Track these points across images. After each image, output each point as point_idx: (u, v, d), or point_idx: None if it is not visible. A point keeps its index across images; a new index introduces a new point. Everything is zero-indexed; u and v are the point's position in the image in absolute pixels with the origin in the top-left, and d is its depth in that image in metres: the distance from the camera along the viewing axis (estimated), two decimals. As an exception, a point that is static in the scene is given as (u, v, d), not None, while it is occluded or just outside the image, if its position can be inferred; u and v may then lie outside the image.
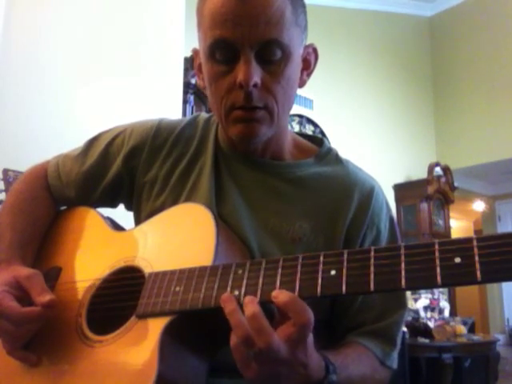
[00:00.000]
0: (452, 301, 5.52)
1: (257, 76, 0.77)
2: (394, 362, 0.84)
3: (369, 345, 0.81)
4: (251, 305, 0.60)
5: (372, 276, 0.56)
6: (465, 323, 4.59)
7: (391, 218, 0.91)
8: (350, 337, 0.83)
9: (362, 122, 5.59)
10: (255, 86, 0.77)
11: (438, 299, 4.54)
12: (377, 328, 0.83)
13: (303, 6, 0.84)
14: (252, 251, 0.81)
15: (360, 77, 5.70)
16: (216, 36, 0.77)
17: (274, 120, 0.81)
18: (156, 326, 0.67)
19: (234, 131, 0.82)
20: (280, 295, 0.60)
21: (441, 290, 4.72)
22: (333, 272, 0.59)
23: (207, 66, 0.81)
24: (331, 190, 0.87)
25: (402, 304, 0.87)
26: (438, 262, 0.53)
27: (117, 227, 0.94)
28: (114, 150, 0.97)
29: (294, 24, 0.79)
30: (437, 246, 0.54)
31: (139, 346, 0.68)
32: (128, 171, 0.95)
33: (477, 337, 4.48)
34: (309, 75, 0.90)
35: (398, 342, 0.85)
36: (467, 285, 0.53)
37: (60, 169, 1.01)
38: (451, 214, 6.21)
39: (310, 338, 0.60)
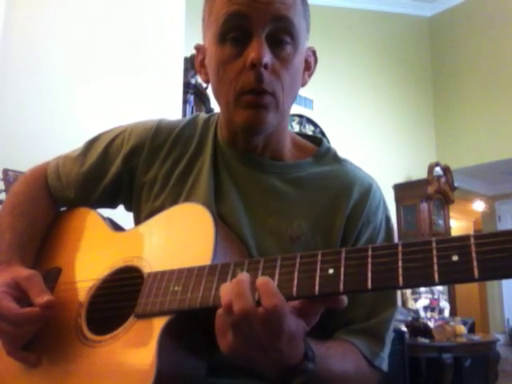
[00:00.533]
0: (452, 301, 5.52)
1: (268, 57, 0.78)
2: (382, 362, 0.82)
3: (356, 343, 0.80)
4: (242, 274, 0.62)
5: (370, 274, 0.56)
6: (465, 323, 4.59)
7: (387, 217, 0.91)
8: (338, 334, 0.82)
9: (362, 122, 5.58)
10: (266, 67, 0.78)
11: (438, 299, 4.54)
12: (366, 326, 0.82)
13: (308, 6, 0.86)
14: (250, 250, 0.81)
15: (360, 77, 5.70)
16: (230, 11, 0.78)
17: (279, 108, 0.82)
18: (155, 326, 0.67)
19: (241, 117, 0.82)
20: (258, 279, 0.60)
21: (441, 289, 4.73)
22: (331, 271, 0.59)
23: (217, 51, 0.82)
24: (330, 189, 0.88)
25: (393, 303, 0.86)
26: (435, 259, 0.53)
27: (116, 228, 0.94)
28: (114, 151, 0.97)
29: (302, 15, 0.82)
30: (434, 244, 0.54)
31: (138, 345, 0.68)
32: (127, 171, 0.95)
33: (477, 337, 4.48)
34: (309, 76, 0.92)
35: (387, 341, 0.84)
36: (465, 282, 0.53)
37: (60, 169, 1.01)
38: (451, 214, 6.20)
39: (289, 326, 0.60)
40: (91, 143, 1.01)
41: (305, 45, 0.86)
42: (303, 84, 0.90)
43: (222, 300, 0.60)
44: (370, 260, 0.57)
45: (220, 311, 0.61)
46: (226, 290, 0.61)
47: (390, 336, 0.85)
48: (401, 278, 0.54)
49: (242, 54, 0.79)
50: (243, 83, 0.79)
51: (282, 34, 0.79)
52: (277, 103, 0.81)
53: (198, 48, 0.91)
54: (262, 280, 0.60)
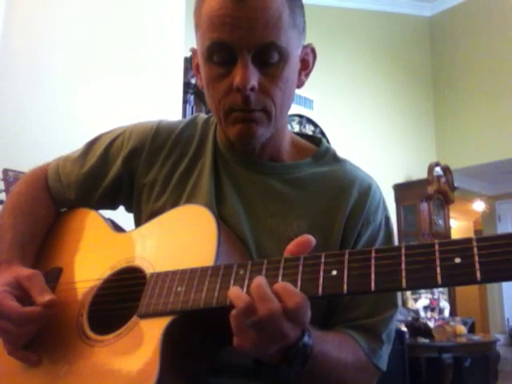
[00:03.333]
0: (452, 301, 5.52)
1: (254, 79, 0.77)
2: (381, 360, 0.82)
3: (356, 336, 0.80)
4: (258, 278, 0.62)
5: (373, 276, 0.57)
6: (465, 323, 4.60)
7: (387, 217, 0.91)
8: (337, 328, 0.82)
9: (361, 122, 5.58)
10: (252, 89, 0.77)
11: (438, 299, 4.54)
12: (365, 323, 0.82)
13: (301, 6, 0.84)
14: (250, 251, 0.81)
15: (360, 77, 5.70)
16: (214, 39, 0.77)
17: (271, 121, 0.82)
18: (157, 326, 0.67)
19: (232, 131, 0.82)
20: (254, 281, 0.61)
21: (441, 290, 4.73)
22: (334, 272, 0.59)
23: (205, 68, 0.82)
24: (329, 189, 0.88)
25: (393, 303, 0.86)
26: (438, 262, 0.54)
27: (117, 229, 0.94)
28: (114, 152, 0.97)
29: (291, 26, 0.79)
30: (437, 247, 0.55)
31: (140, 345, 0.68)
32: (128, 172, 0.95)
33: (477, 337, 4.48)
34: (307, 75, 0.90)
35: (385, 339, 0.83)
36: (467, 285, 0.54)
37: (60, 171, 1.01)
38: (451, 214, 6.21)
39: (284, 320, 0.60)
40: (91, 144, 1.01)
41: (298, 50, 0.84)
42: (300, 85, 0.89)
43: (237, 303, 0.60)
44: (373, 262, 0.58)
45: (235, 313, 0.61)
46: (240, 294, 0.61)
47: (389, 335, 0.84)
48: (404, 280, 0.55)
49: (230, 73, 0.78)
50: (231, 103, 0.79)
51: (268, 57, 0.78)
52: (268, 117, 0.81)
53: (194, 52, 0.90)
54: (257, 281, 0.61)
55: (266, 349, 0.62)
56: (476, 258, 0.52)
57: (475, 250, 0.52)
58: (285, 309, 0.59)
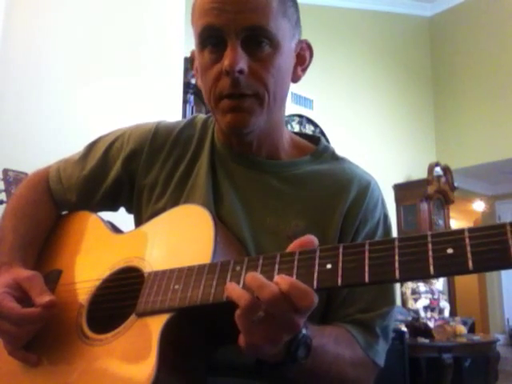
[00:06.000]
0: (452, 301, 5.52)
1: (243, 62, 0.77)
2: (377, 355, 0.81)
3: (352, 331, 0.80)
4: (250, 273, 0.62)
5: (367, 268, 0.57)
6: (465, 323, 4.60)
7: (385, 215, 0.91)
8: (334, 323, 0.82)
9: (362, 122, 5.58)
10: (241, 72, 0.77)
11: (438, 299, 4.54)
12: (361, 317, 0.82)
13: (293, 1, 0.85)
14: (249, 250, 0.81)
15: (360, 77, 5.70)
16: (204, 24, 0.79)
17: (263, 108, 0.81)
18: (155, 324, 0.68)
19: (223, 122, 0.82)
20: (247, 276, 0.61)
21: (441, 289, 4.72)
22: (329, 266, 0.60)
23: (199, 58, 0.83)
24: (328, 187, 0.88)
25: (390, 300, 0.86)
26: (430, 253, 0.54)
27: (117, 230, 0.94)
28: (114, 154, 0.97)
29: (281, 15, 0.80)
30: (429, 238, 0.55)
31: (139, 343, 0.69)
32: (128, 174, 0.96)
33: (477, 337, 4.48)
34: (304, 71, 0.90)
35: (381, 334, 0.83)
36: (460, 274, 0.54)
37: (61, 173, 1.01)
38: (451, 214, 6.20)
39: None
40: (91, 147, 1.02)
41: (291, 41, 0.84)
42: (296, 79, 0.89)
43: (241, 301, 0.60)
44: (367, 254, 0.58)
45: (240, 312, 0.60)
46: (242, 293, 0.60)
47: (386, 331, 0.84)
48: (397, 271, 0.55)
49: (220, 59, 0.79)
50: (221, 88, 0.80)
51: (258, 38, 0.79)
52: (260, 104, 0.81)
53: (194, 54, 0.90)
54: (251, 274, 0.61)
55: (277, 340, 0.61)
56: (468, 248, 0.52)
57: (467, 241, 0.53)
58: (286, 294, 0.59)
